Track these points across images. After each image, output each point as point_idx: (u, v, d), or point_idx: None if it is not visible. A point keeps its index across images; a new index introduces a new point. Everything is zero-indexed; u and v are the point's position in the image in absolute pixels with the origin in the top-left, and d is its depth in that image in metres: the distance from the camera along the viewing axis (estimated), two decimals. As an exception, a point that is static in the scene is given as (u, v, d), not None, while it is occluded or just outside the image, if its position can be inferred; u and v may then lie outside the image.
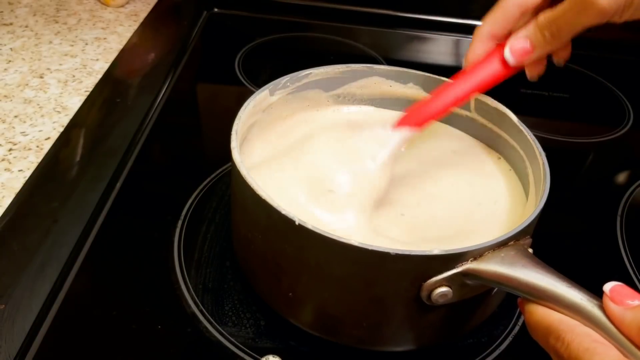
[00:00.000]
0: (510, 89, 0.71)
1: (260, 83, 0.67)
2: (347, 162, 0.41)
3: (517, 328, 0.43)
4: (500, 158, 0.47)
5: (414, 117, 0.41)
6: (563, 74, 0.78)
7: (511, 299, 0.44)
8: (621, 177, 0.62)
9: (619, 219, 0.54)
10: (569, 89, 0.76)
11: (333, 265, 0.34)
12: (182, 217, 0.49)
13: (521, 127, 0.43)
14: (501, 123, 0.46)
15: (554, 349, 0.27)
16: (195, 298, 0.43)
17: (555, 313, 0.29)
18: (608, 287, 0.27)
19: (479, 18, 0.39)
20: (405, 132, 0.41)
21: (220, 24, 0.86)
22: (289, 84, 0.47)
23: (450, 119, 0.50)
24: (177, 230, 0.48)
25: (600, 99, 0.76)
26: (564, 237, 0.52)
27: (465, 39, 0.85)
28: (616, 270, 0.49)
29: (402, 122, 0.41)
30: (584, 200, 0.58)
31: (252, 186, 0.35)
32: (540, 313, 0.29)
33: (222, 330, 0.41)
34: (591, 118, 0.73)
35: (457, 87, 0.40)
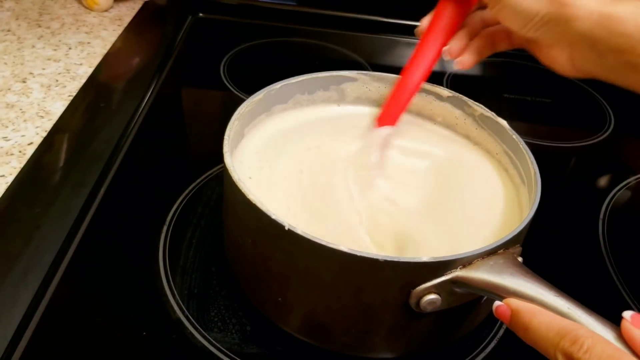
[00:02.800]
0: (494, 93, 0.72)
1: (245, 88, 0.67)
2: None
3: (501, 331, 0.43)
4: (495, 164, 0.47)
5: (387, 116, 0.47)
6: (546, 79, 0.80)
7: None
8: (603, 181, 0.63)
9: (601, 222, 0.55)
10: (551, 94, 0.78)
11: (322, 270, 0.34)
12: (167, 223, 0.49)
13: (514, 137, 0.43)
14: (496, 131, 0.46)
15: (567, 353, 0.27)
16: (181, 304, 0.43)
17: (566, 319, 0.29)
18: (628, 314, 0.28)
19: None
20: (386, 130, 0.47)
21: (205, 28, 0.85)
22: (281, 89, 0.47)
23: (446, 125, 0.50)
24: (162, 235, 0.48)
25: (582, 104, 0.77)
26: (547, 239, 0.53)
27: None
28: (598, 272, 0.50)
29: (381, 121, 0.47)
30: (567, 203, 0.59)
31: (242, 190, 0.35)
32: (550, 315, 0.29)
33: (208, 336, 0.41)
34: (573, 123, 0.74)
35: (409, 82, 0.46)
